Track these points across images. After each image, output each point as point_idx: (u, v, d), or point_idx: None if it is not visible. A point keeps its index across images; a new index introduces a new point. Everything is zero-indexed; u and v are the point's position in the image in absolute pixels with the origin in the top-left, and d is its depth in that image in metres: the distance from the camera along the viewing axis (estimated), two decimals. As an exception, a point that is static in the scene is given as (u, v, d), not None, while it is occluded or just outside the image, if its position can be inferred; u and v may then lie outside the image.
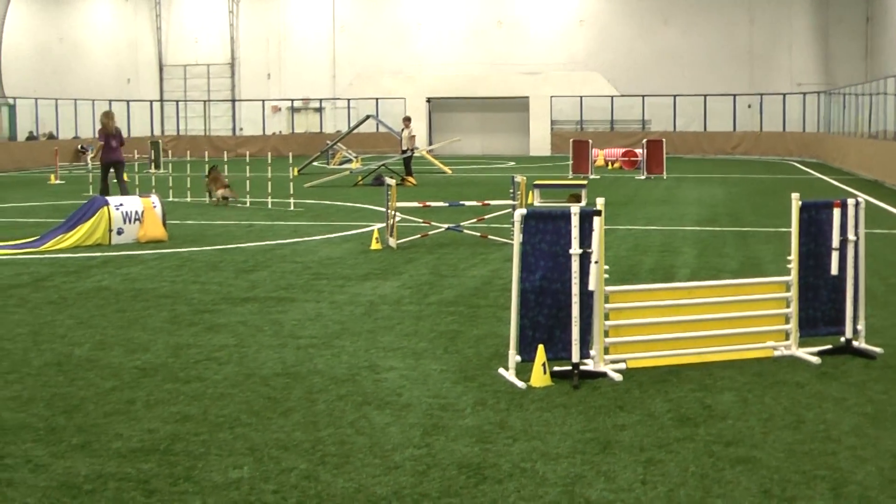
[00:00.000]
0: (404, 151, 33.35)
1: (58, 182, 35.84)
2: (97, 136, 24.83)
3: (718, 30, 55.88)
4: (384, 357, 9.22)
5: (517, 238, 8.42)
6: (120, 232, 17.69)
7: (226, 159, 28.12)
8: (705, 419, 7.39)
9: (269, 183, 24.50)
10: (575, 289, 8.40)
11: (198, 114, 62.53)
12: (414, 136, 34.08)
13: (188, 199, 26.06)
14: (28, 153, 47.68)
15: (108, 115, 24.62)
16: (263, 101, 61.12)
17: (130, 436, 7.05)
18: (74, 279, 13.87)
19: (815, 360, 9.01)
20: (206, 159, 28.47)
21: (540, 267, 8.43)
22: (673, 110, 54.14)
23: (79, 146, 51.04)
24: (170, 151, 48.96)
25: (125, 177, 24.14)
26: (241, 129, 62.21)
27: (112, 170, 24.03)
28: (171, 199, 25.75)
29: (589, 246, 8.35)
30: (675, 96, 54.07)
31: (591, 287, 8.39)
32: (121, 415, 7.55)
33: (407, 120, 34.66)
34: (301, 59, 61.88)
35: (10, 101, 54.70)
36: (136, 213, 17.91)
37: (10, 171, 43.80)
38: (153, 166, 40.04)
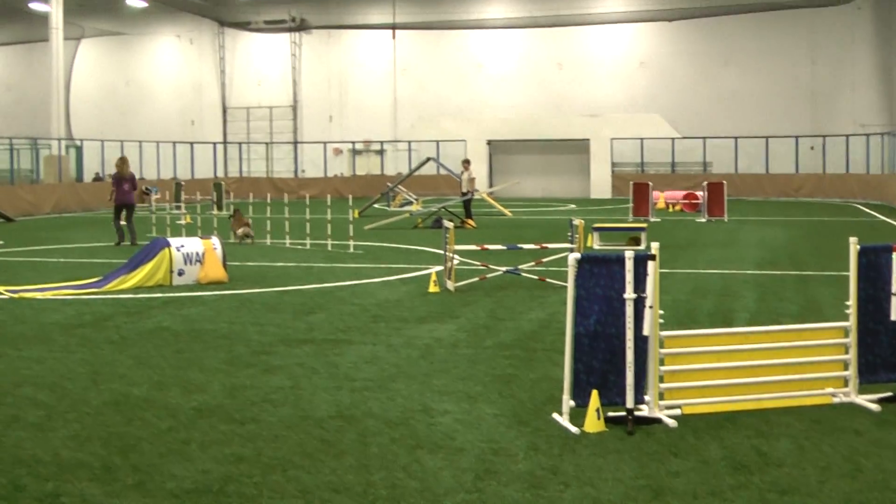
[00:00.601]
0: (464, 194, 33.41)
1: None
2: (112, 179, 27.00)
3: (780, 71, 55.53)
4: (438, 400, 9.23)
5: (571, 282, 8.41)
6: (181, 273, 17.88)
7: (286, 201, 28.32)
8: (760, 467, 7.31)
9: (329, 225, 24.64)
10: (629, 333, 8.37)
11: (260, 156, 63.18)
12: (474, 179, 34.14)
13: (249, 241, 26.26)
14: (94, 194, 48.36)
15: (122, 161, 27.50)
16: (325, 143, 61.63)
17: (184, 476, 7.11)
18: (135, 319, 14.04)
19: (875, 407, 8.88)
20: (268, 201, 28.68)
21: (594, 311, 8.41)
22: (734, 152, 53.84)
23: (143, 188, 51.68)
24: (232, 193, 49.43)
25: (133, 219, 26.71)
26: (303, 171, 62.71)
27: (123, 211, 26.68)
28: (232, 240, 25.99)
29: (643, 290, 8.33)
30: (736, 138, 53.77)
31: (645, 332, 8.35)
32: (176, 455, 7.61)
33: (466, 162, 34.75)
34: (363, 101, 62.35)
35: (78, 142, 55.60)
36: (197, 254, 18.10)
37: (76, 212, 44.48)
38: (216, 208, 40.53)
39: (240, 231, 26.17)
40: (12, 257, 24.04)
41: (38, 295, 16.63)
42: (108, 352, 11.68)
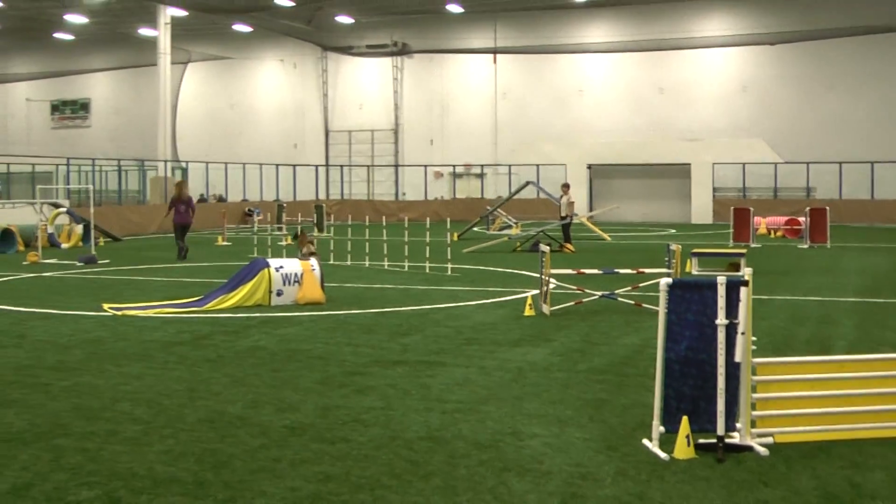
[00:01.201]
0: (563, 218, 33.35)
1: (224, 243, 36.90)
2: (169, 202, 29.19)
3: (885, 95, 54.47)
4: (529, 424, 9.23)
5: (662, 307, 8.37)
6: (280, 293, 18.12)
7: (385, 223, 28.53)
8: (853, 499, 7.19)
9: (428, 248, 24.79)
10: (721, 360, 8.29)
11: (362, 178, 63.77)
12: (573, 203, 34.06)
13: (348, 263, 26.51)
14: (198, 215, 49.15)
15: (180, 185, 30.01)
16: (426, 166, 61.99)
17: (274, 493, 7.22)
18: (233, 338, 14.26)
19: (974, 439, 8.69)
20: (367, 223, 28.96)
21: (685, 337, 8.35)
22: (839, 177, 52.96)
23: (246, 209, 52.49)
24: (332, 215, 49.94)
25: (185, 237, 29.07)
26: (403, 194, 63.13)
27: (179, 230, 29.10)
28: (331, 262, 26.26)
29: (735, 316, 8.25)
30: (840, 163, 52.90)
31: (737, 358, 8.27)
32: (266, 472, 7.73)
33: (566, 186, 34.70)
34: (463, 124, 62.63)
35: (183, 164, 56.68)
36: (296, 275, 18.33)
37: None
38: (316, 230, 40.96)
39: (304, 250, 26.62)
40: (117, 276, 24.58)
41: (141, 313, 16.98)
42: (205, 370, 11.89)
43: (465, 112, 62.69)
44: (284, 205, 49.63)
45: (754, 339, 8.62)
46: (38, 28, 65.67)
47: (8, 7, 57.83)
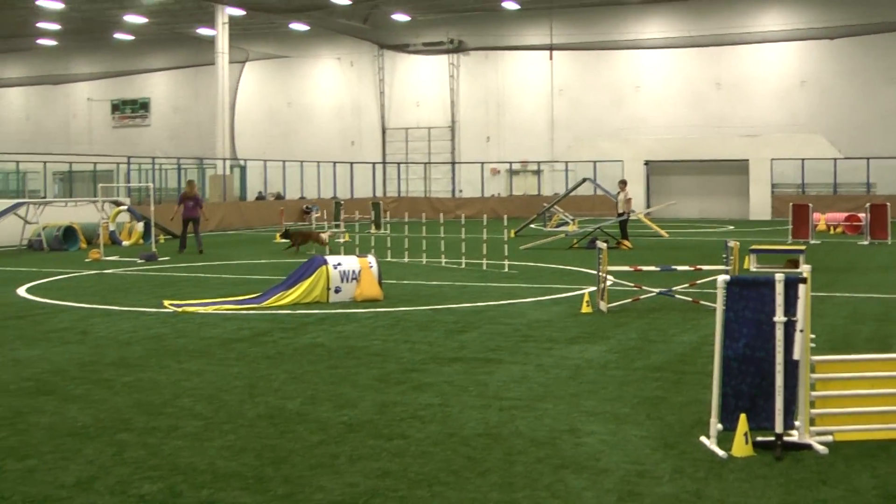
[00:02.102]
0: (620, 214, 33.23)
1: (282, 241, 37.09)
2: (179, 198, 32.67)
3: (949, 89, 53.85)
4: (586, 421, 9.24)
5: (720, 305, 8.35)
6: (338, 290, 18.23)
7: (442, 220, 28.58)
8: (913, 496, 7.14)
9: (485, 245, 24.82)
10: (779, 357, 8.26)
11: (418, 175, 63.89)
12: (630, 200, 33.90)
13: (405, 260, 26.59)
14: (256, 212, 49.70)
15: (191, 184, 33.17)
16: (482, 163, 62.00)
17: (332, 488, 7.29)
18: (291, 335, 14.39)
19: None
20: (424, 220, 29.04)
21: (743, 334, 8.32)
22: (900, 173, 52.35)
23: (304, 206, 52.78)
24: (389, 213, 50.07)
25: (199, 230, 31.94)
26: (460, 191, 63.18)
27: (191, 223, 31.75)
28: (388, 259, 26.37)
29: (794, 314, 8.21)
30: (901, 158, 52.32)
31: (795, 356, 8.23)
32: (325, 468, 7.81)
33: (623, 183, 34.56)
34: (520, 121, 62.54)
35: (241, 162, 57.12)
36: (354, 272, 18.42)
37: (239, 230, 45.72)
38: (373, 227, 41.12)
39: (323, 236, 30.28)
40: (177, 272, 24.83)
41: (201, 309, 17.16)
42: (264, 366, 12.01)
43: (522, 109, 62.61)
44: (342, 202, 49.85)
45: (813, 336, 8.58)
46: (99, 29, 66.49)
47: (69, 9, 58.54)
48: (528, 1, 58.41)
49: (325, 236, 30.35)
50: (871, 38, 54.64)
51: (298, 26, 63.37)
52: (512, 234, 32.61)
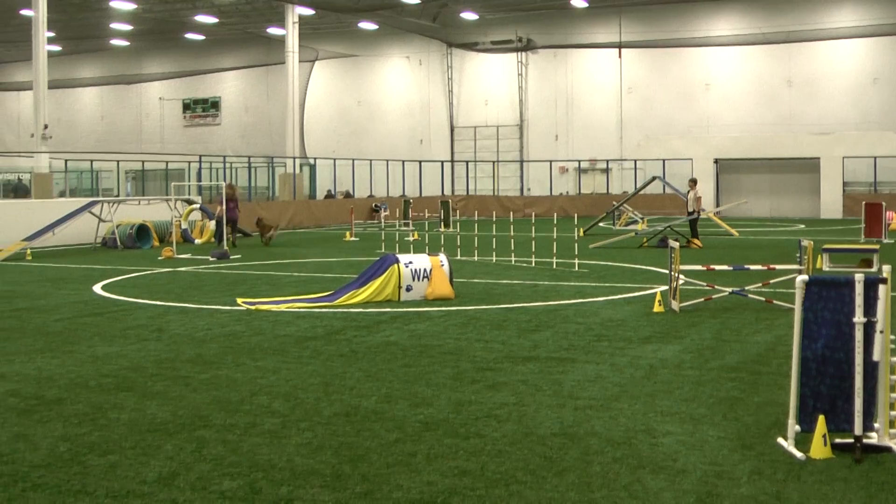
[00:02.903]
0: (690, 213, 33.00)
1: (352, 239, 37.35)
2: (222, 200, 33.07)
3: None
4: (662, 421, 9.21)
5: (798, 305, 8.28)
6: (409, 289, 18.29)
7: (511, 219, 28.59)
8: None
9: (555, 243, 24.77)
10: (858, 358, 8.18)
11: (487, 174, 63.85)
12: (700, 198, 33.64)
13: (475, 259, 26.62)
14: (326, 211, 49.96)
15: (231, 187, 34.99)
16: (551, 161, 61.86)
17: (410, 487, 7.34)
18: (365, 333, 14.48)
19: None
20: (494, 219, 29.10)
21: (822, 335, 8.25)
22: (977, 170, 51.47)
23: (373, 205, 53.00)
24: (458, 211, 50.13)
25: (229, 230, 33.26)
26: (528, 190, 63.08)
27: (230, 224, 33.19)
28: (458, 257, 26.42)
29: (874, 315, 8.13)
30: (978, 155, 51.41)
31: (875, 357, 8.15)
32: (402, 466, 7.86)
33: (693, 182, 34.31)
34: (588, 120, 62.34)
35: (311, 161, 57.47)
36: (425, 270, 18.48)
37: (309, 228, 46.03)
38: (442, 225, 41.19)
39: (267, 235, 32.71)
40: (249, 270, 25.07)
41: (273, 307, 17.32)
42: (339, 364, 12.10)
43: (590, 107, 62.40)
44: (411, 200, 50.00)
45: (893, 337, 8.48)
46: (170, 29, 67.29)
47: (141, 10, 59.30)
48: (597, -2, 58.24)
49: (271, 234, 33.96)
50: (946, 34, 53.84)
51: (367, 25, 63.68)
52: (581, 233, 32.50)
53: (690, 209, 33.11)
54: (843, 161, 53.94)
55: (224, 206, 32.74)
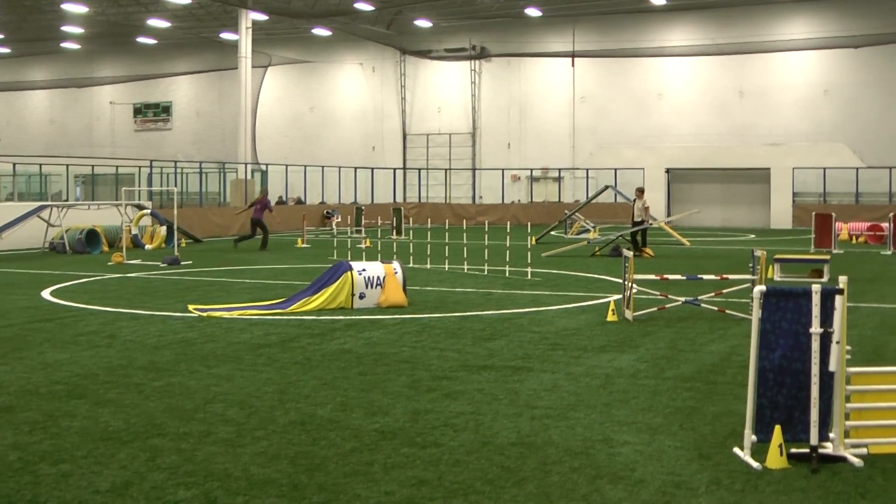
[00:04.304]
0: (639, 223, 32.90)
1: (304, 246, 37.22)
2: (256, 202, 35.78)
3: (971, 99, 53.56)
4: (619, 431, 9.21)
5: (756, 315, 8.31)
6: (362, 296, 18.23)
7: (464, 227, 28.60)
8: (953, 511, 7.09)
9: (508, 252, 24.79)
10: (815, 369, 8.22)
11: (439, 182, 63.89)
12: (648, 208, 33.61)
13: (428, 266, 26.58)
14: (277, 217, 49.62)
15: (263, 191, 37.13)
16: (503, 169, 61.98)
17: (368, 497, 7.28)
18: (319, 341, 14.39)
19: None
20: (446, 227, 29.04)
21: (780, 345, 8.28)
22: (924, 182, 52.06)
23: (325, 211, 52.82)
24: (411, 218, 50.08)
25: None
26: (480, 198, 63.18)
27: (258, 225, 35.24)
28: (411, 265, 26.36)
29: (830, 325, 8.17)
30: (925, 168, 52.02)
31: (831, 368, 8.19)
32: (360, 475, 7.79)
33: (640, 191, 34.31)
34: (541, 128, 62.56)
35: (263, 167, 57.20)
36: (378, 278, 18.42)
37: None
38: (394, 232, 41.13)
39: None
40: (201, 277, 24.88)
41: (226, 314, 17.18)
42: (294, 372, 12.01)
43: (543, 116, 62.61)
44: (363, 207, 49.89)
45: (849, 348, 8.53)
46: (123, 33, 66.82)
47: (94, 13, 58.81)
48: (551, 8, 58.42)
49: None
50: (895, 48, 54.44)
51: (321, 31, 63.56)
52: (534, 242, 32.54)
53: (637, 218, 33.08)
54: (794, 172, 54.43)
55: (253, 208, 35.31)
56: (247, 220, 36.90)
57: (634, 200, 33.73)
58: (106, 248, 34.07)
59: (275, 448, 8.59)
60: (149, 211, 37.06)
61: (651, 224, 33.52)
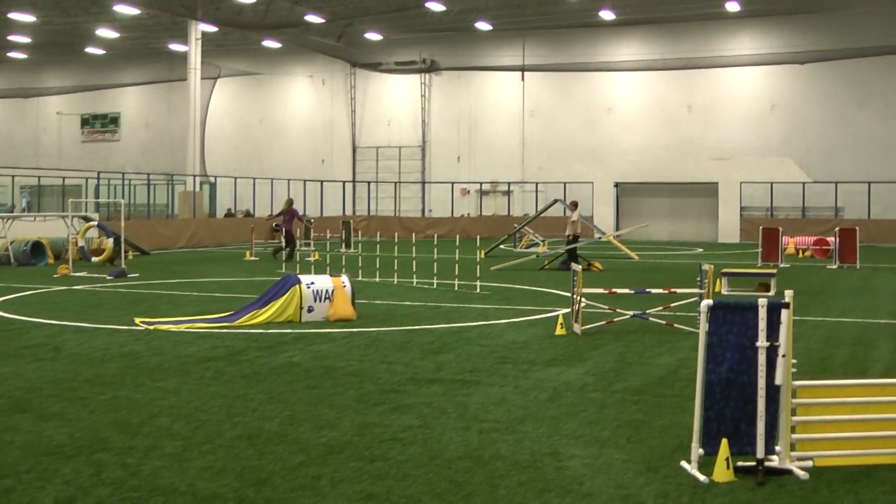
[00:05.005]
0: (576, 237, 32.65)
1: (253, 258, 37.04)
2: (284, 213, 37.00)
3: (918, 114, 54.30)
4: (567, 444, 9.21)
5: (703, 329, 8.35)
6: (310, 310, 18.15)
7: (413, 240, 28.58)
8: (897, 523, 7.15)
9: (457, 265, 24.78)
10: (761, 382, 8.27)
11: (389, 195, 63.83)
12: (575, 222, 33.40)
13: (377, 280, 26.54)
14: (226, 229, 49.43)
15: (289, 202, 38.07)
16: (453, 183, 61.99)
17: (316, 512, 7.23)
18: (267, 354, 14.31)
19: None
20: (395, 240, 28.96)
21: (727, 359, 8.33)
22: (868, 197, 52.60)
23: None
24: (360, 232, 49.97)
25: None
26: (430, 211, 63.18)
27: (287, 236, 35.99)
28: (360, 278, 26.30)
29: (776, 339, 8.23)
30: (869, 182, 52.49)
31: (777, 381, 8.24)
32: (307, 490, 7.75)
33: (574, 204, 34.20)
34: (491, 142, 62.70)
35: (211, 179, 56.90)
36: (327, 291, 18.35)
37: (209, 247, 45.49)
38: (343, 246, 41.01)
39: None
40: (148, 289, 24.68)
41: (173, 327, 17.05)
42: (242, 385, 11.93)
43: (493, 129, 62.77)
44: (312, 220, 49.70)
45: (795, 361, 8.59)
46: (70, 43, 66.18)
47: (41, 22, 58.27)
48: (501, 21, 58.58)
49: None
50: (841, 64, 55.13)
51: (271, 43, 63.32)
52: (483, 255, 32.54)
53: (568, 232, 32.98)
54: (741, 186, 54.80)
55: (281, 217, 36.77)
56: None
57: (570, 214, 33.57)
58: (51, 261, 33.70)
59: (221, 462, 8.52)
60: (96, 223, 36.67)
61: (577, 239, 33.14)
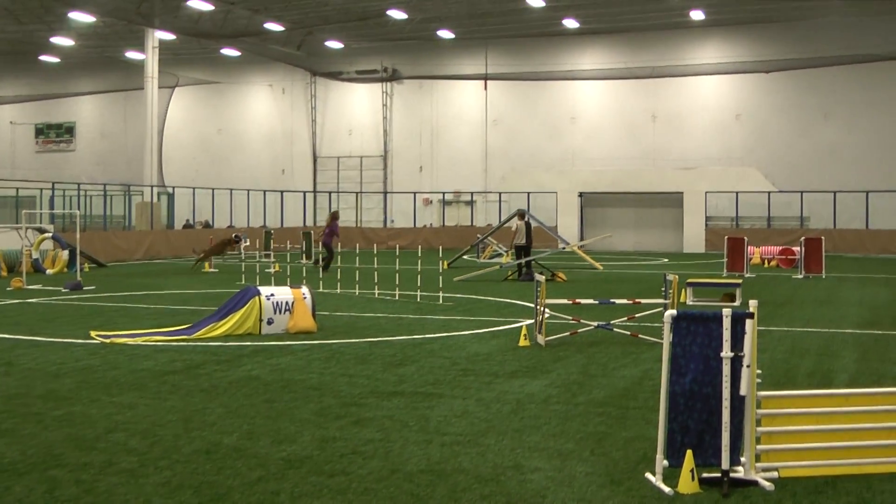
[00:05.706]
0: (525, 247, 32.47)
1: (212, 270, 36.75)
2: (328, 226, 36.25)
3: (880, 124, 54.40)
4: (530, 457, 9.09)
5: (667, 340, 8.26)
6: (270, 322, 17.94)
7: (375, 251, 28.43)
8: (864, 535, 7.07)
9: (419, 276, 24.64)
10: (726, 393, 8.19)
11: (350, 205, 63.58)
12: (515, 232, 33.28)
13: (338, 291, 26.35)
14: (184, 241, 49.01)
15: (334, 215, 37.05)
16: (415, 193, 61.89)
17: (275, 530, 7.07)
18: (226, 367, 14.11)
19: (982, 475, 8.57)
20: (357, 251, 28.82)
21: (690, 370, 8.24)
22: (833, 207, 52.88)
23: (233, 235, 52.20)
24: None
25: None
26: (392, 221, 63.02)
27: (325, 248, 35.65)
28: (321, 290, 26.10)
29: (741, 349, 8.15)
30: (835, 192, 52.75)
31: (742, 392, 8.16)
32: (266, 507, 7.58)
33: (521, 214, 34.00)
34: (453, 151, 62.62)
35: (169, 189, 56.47)
36: (287, 303, 18.15)
37: (167, 258, 45.11)
38: (304, 257, 40.80)
39: None
40: (104, 302, 24.38)
41: (130, 341, 16.81)
42: (199, 399, 11.73)
43: (456, 139, 62.69)
44: (272, 231, 49.42)
45: (759, 371, 8.51)
46: (24, 51, 65.44)
47: (-5, 30, 57.73)
48: (464, 30, 58.58)
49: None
50: (806, 73, 55.43)
51: (230, 52, 63.04)
52: (445, 266, 32.44)
53: (517, 242, 32.80)
54: (706, 196, 54.90)
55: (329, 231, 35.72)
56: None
57: (516, 223, 33.38)
58: (4, 273, 33.25)
59: (178, 478, 8.34)
60: (50, 234, 36.31)
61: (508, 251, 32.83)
